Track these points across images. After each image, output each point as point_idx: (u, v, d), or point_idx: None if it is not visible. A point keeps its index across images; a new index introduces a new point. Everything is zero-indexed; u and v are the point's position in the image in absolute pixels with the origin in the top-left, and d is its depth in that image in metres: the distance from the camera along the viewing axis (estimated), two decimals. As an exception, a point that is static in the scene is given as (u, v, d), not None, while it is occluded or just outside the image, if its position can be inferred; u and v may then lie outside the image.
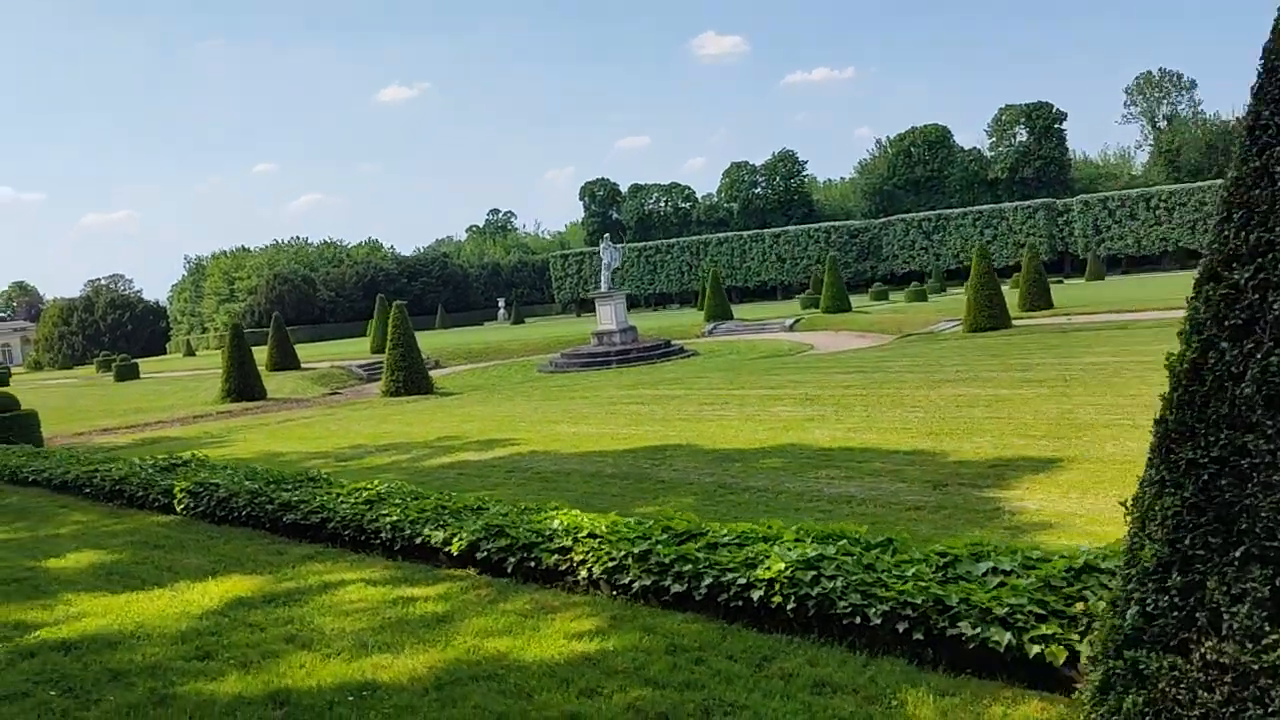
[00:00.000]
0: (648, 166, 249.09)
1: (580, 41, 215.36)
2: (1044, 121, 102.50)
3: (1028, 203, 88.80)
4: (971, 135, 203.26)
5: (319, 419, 22.93)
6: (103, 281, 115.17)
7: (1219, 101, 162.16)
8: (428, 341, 45.98)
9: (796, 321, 46.38)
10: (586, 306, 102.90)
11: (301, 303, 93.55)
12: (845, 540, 5.30)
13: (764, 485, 10.04)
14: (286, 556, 7.97)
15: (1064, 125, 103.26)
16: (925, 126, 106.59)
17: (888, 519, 8.14)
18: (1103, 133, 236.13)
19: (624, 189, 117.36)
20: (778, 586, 5.05)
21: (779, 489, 9.79)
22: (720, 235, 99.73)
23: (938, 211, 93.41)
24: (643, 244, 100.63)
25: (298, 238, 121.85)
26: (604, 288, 40.30)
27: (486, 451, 14.42)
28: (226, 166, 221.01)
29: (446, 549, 7.10)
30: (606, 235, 44.66)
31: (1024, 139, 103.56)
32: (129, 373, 49.93)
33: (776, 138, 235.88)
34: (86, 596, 7.19)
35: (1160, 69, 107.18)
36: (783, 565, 4.98)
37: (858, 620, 4.83)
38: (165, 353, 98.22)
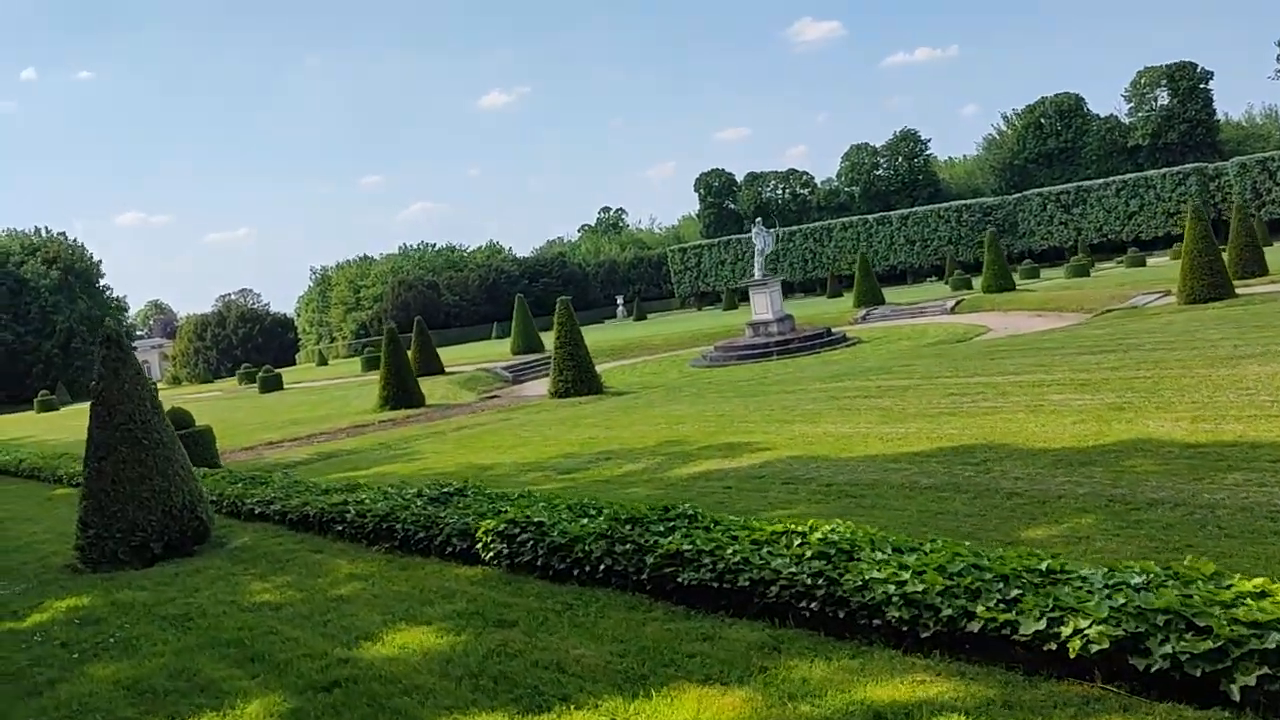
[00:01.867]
0: (749, 157, 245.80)
1: (675, 37, 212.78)
2: (1188, 82, 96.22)
3: (1177, 169, 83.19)
4: (1099, 103, 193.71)
5: (496, 425, 21.40)
6: (232, 296, 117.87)
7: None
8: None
9: (958, 303, 43.42)
10: (705, 299, 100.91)
11: (426, 307, 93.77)
12: None
13: (1169, 497, 7.80)
14: (725, 645, 5.36)
15: (1210, 85, 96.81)
16: (1056, 96, 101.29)
17: None
18: (1243, 94, 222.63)
19: (739, 178, 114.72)
20: None
21: (1201, 502, 7.54)
22: (844, 220, 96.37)
23: (1076, 184, 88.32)
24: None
25: (421, 244, 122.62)
26: (758, 274, 38.10)
27: (734, 458, 12.45)
28: (336, 180, 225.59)
29: (1046, 646, 4.33)
30: (759, 219, 42.26)
31: (1165, 102, 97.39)
32: (273, 384, 49.76)
33: (881, 121, 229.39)
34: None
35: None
36: None
37: None
38: (295, 363, 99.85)
